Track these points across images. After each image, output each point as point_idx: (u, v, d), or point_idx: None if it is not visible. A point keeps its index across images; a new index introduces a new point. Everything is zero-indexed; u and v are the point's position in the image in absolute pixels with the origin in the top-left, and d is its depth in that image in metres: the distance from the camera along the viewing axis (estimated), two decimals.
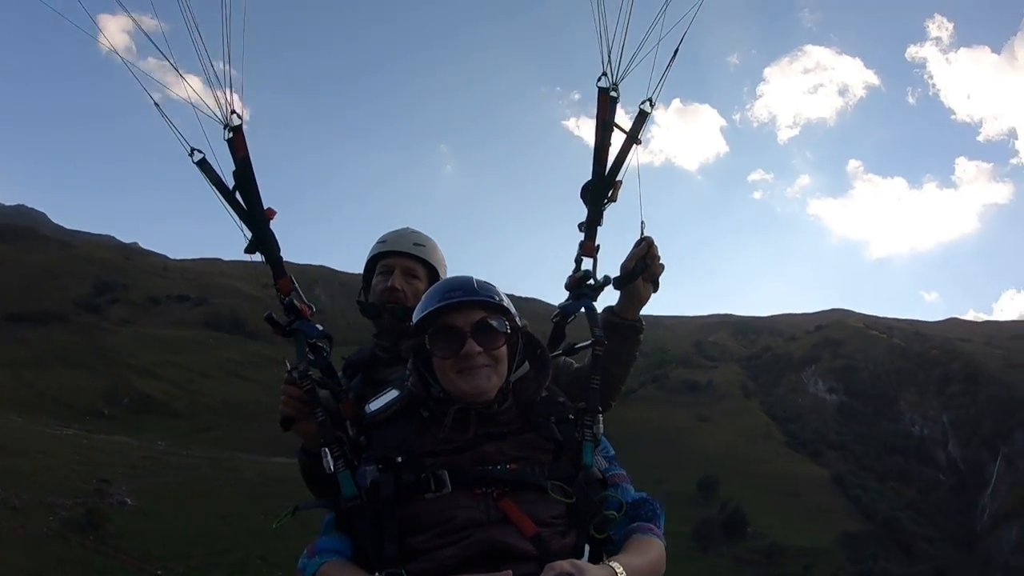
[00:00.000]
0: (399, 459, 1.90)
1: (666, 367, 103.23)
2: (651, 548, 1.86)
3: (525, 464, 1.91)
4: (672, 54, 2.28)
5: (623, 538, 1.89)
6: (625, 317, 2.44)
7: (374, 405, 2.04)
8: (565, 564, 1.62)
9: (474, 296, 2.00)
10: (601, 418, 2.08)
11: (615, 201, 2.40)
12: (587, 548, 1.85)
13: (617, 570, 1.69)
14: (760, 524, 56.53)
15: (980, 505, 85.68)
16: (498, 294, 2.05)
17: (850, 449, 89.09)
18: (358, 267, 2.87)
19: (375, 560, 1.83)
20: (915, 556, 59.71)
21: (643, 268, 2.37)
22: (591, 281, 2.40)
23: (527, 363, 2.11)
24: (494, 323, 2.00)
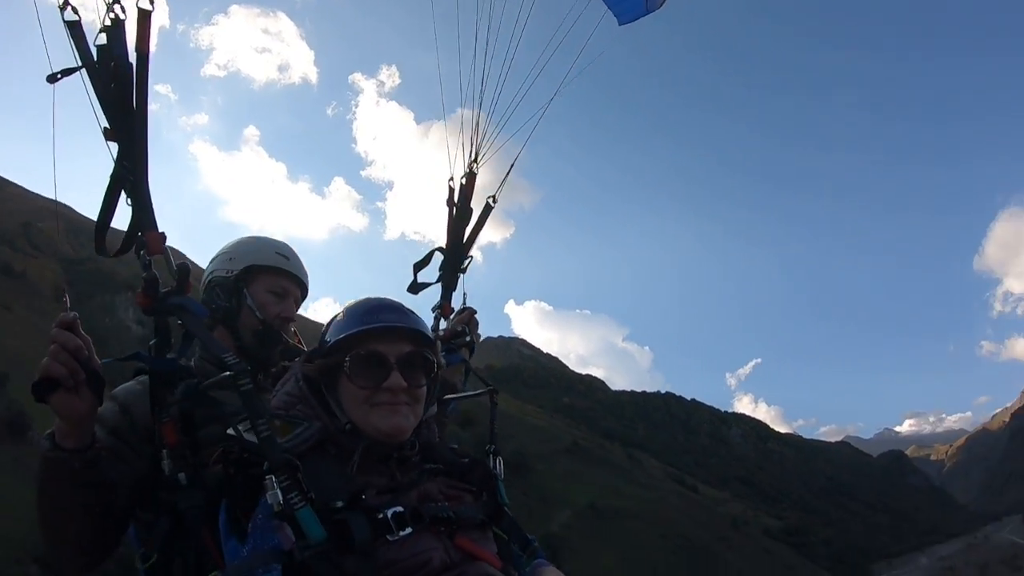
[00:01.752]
0: (363, 496, 1.61)
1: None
2: None
3: (456, 503, 1.78)
4: (509, 166, 2.90)
5: (530, 573, 1.83)
6: (447, 380, 2.51)
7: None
8: None
9: (407, 323, 1.81)
10: (501, 460, 2.02)
11: (465, 272, 2.73)
12: None
13: None
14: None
15: None
16: (427, 326, 1.89)
17: None
18: None
19: None
20: None
21: (466, 333, 2.67)
22: (468, 338, 2.64)
23: (435, 405, 2.01)
24: (428, 358, 1.82)
